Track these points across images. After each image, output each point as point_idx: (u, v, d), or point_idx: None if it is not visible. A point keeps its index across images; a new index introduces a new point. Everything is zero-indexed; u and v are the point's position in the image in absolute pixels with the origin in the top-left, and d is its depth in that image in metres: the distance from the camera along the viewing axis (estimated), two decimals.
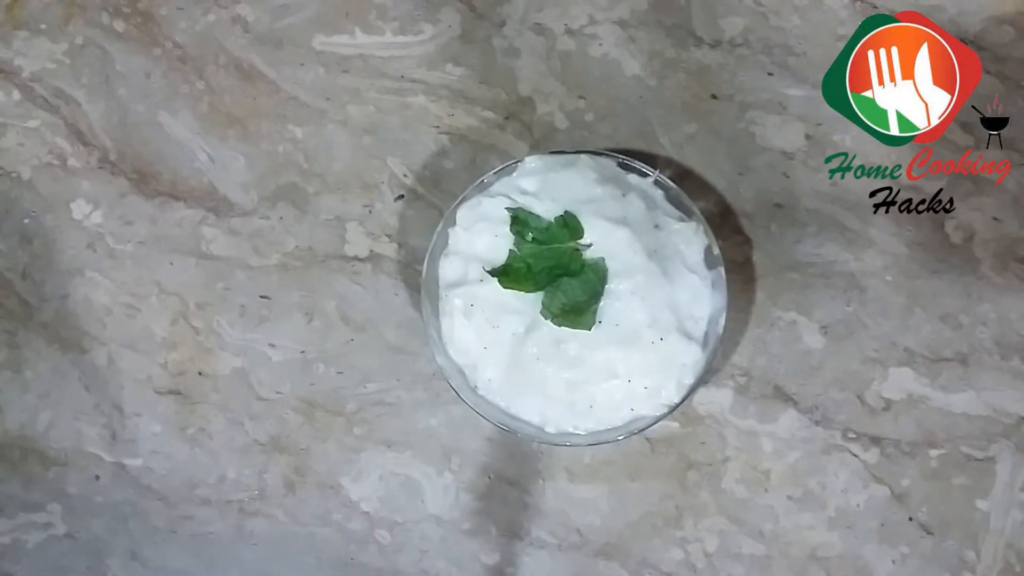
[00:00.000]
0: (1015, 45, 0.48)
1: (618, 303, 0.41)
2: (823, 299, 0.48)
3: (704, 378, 0.42)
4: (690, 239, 0.43)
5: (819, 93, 0.48)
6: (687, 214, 0.43)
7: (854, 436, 0.48)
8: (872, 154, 0.48)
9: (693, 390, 0.42)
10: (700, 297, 0.42)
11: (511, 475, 0.49)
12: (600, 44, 0.49)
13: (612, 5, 0.49)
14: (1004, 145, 0.47)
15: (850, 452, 0.47)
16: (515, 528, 0.49)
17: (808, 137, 0.48)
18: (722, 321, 0.42)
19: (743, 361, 0.48)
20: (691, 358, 0.42)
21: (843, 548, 0.48)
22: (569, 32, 0.50)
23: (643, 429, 0.42)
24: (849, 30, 0.48)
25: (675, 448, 0.48)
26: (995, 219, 0.47)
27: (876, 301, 0.48)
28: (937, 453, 0.47)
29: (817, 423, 0.48)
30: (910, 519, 0.47)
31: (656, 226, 0.43)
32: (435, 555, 0.49)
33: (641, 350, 0.41)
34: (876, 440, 0.47)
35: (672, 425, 0.48)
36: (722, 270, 0.42)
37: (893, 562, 0.47)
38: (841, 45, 0.48)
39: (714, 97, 0.49)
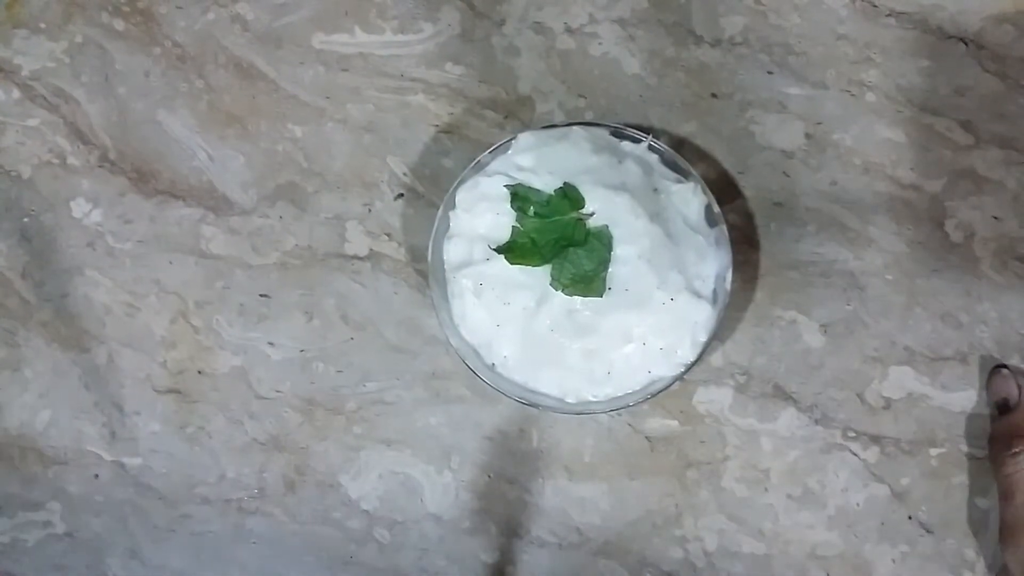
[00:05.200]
0: (1015, 44, 0.48)
1: (625, 268, 0.41)
2: (823, 298, 0.48)
3: (717, 335, 0.43)
4: (689, 199, 0.43)
5: (819, 92, 0.48)
6: (684, 175, 0.44)
7: (854, 435, 0.48)
8: (872, 153, 0.48)
9: (707, 347, 0.43)
10: (705, 255, 0.43)
11: (511, 474, 0.49)
12: (600, 43, 0.49)
13: (612, 4, 0.49)
14: (1004, 143, 0.47)
15: (850, 451, 0.47)
16: (515, 527, 0.49)
17: (808, 136, 0.48)
18: (729, 277, 0.43)
19: (743, 360, 0.48)
20: (702, 315, 0.42)
21: (843, 547, 0.48)
22: (569, 31, 0.50)
23: (661, 390, 0.43)
24: (848, 29, 0.48)
25: (675, 447, 0.48)
26: (995, 218, 0.47)
27: (876, 300, 0.48)
28: (937, 452, 0.47)
29: (817, 422, 0.48)
30: (910, 518, 0.47)
31: (655, 190, 0.43)
32: (435, 554, 0.49)
33: (653, 312, 0.41)
34: (876, 439, 0.47)
35: (672, 424, 0.48)
36: (724, 227, 0.43)
37: (893, 561, 0.47)
38: (841, 44, 0.48)
39: (714, 96, 0.49)
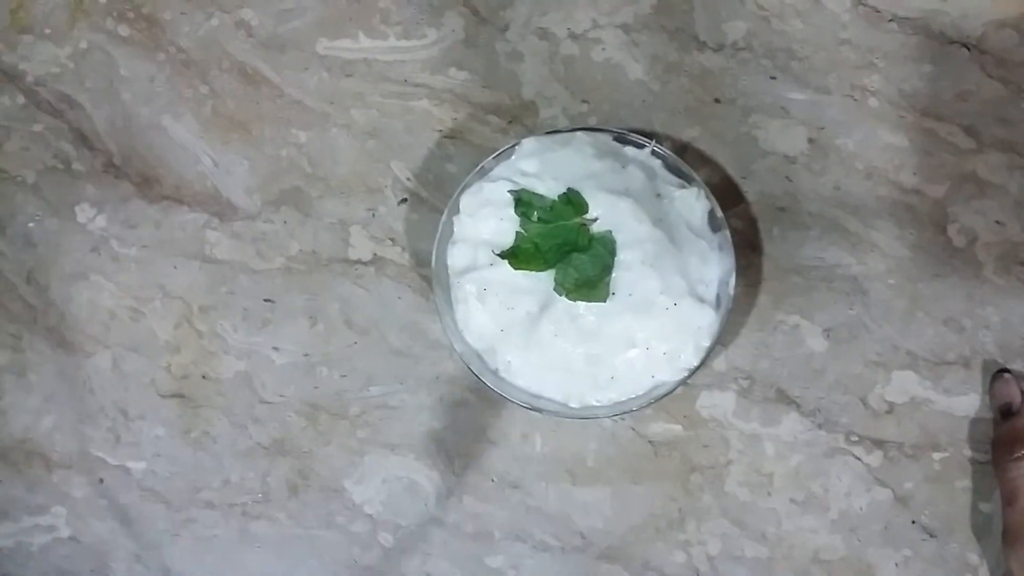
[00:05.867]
0: (1017, 49, 0.48)
1: (629, 273, 0.41)
2: (826, 302, 0.48)
3: (720, 339, 0.43)
4: (692, 205, 0.44)
5: (821, 97, 0.48)
6: (687, 180, 0.44)
7: (857, 439, 0.48)
8: (874, 157, 0.48)
9: (710, 352, 0.43)
10: (708, 260, 0.43)
11: (514, 478, 0.49)
12: (603, 48, 0.50)
13: (615, 9, 0.49)
14: (1007, 148, 0.47)
15: (853, 455, 0.48)
16: (518, 531, 0.49)
17: (811, 141, 0.48)
18: (732, 282, 0.43)
19: (746, 364, 0.48)
20: (706, 320, 0.42)
21: (846, 551, 0.48)
22: (572, 36, 0.50)
23: (665, 395, 0.43)
24: (851, 34, 0.48)
25: (678, 451, 0.48)
26: (997, 222, 0.47)
27: (879, 304, 0.48)
28: (940, 456, 0.47)
29: (820, 426, 0.48)
30: (913, 522, 0.47)
31: (658, 195, 0.43)
32: (438, 558, 0.50)
33: (656, 317, 0.42)
34: (879, 443, 0.47)
35: (675, 428, 0.48)
36: (727, 232, 0.43)
37: (896, 565, 0.47)
38: (844, 49, 0.48)
39: (717, 101, 0.49)
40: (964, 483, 0.47)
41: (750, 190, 0.49)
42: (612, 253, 0.41)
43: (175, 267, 0.51)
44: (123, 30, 0.52)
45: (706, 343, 0.43)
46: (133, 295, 0.51)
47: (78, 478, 0.51)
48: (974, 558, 0.47)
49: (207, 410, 0.50)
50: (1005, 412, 0.46)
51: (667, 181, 0.44)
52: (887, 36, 0.48)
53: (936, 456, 0.47)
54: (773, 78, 0.49)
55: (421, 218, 0.50)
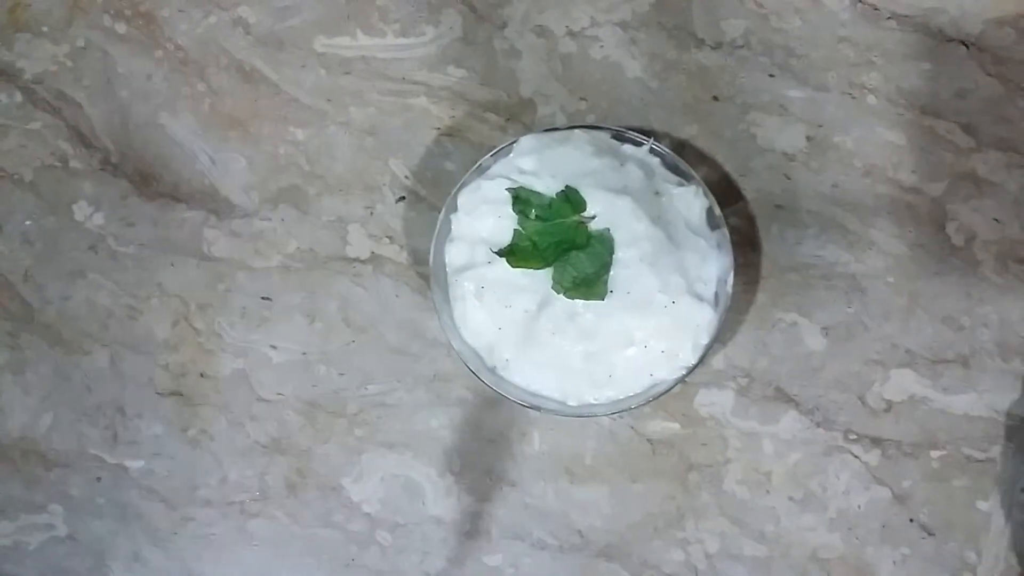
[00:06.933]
0: (1015, 47, 0.48)
1: (627, 271, 0.41)
2: (824, 301, 0.48)
3: (718, 337, 0.43)
4: (690, 202, 0.43)
5: (820, 95, 0.48)
6: (685, 178, 0.44)
7: (855, 437, 0.48)
8: (873, 155, 0.48)
9: (708, 350, 0.43)
10: (707, 258, 0.43)
11: (512, 476, 0.49)
12: (601, 46, 0.50)
13: (613, 7, 0.49)
14: (1006, 146, 0.47)
15: (851, 453, 0.48)
16: (516, 529, 0.49)
17: (809, 139, 0.48)
18: (730, 280, 0.43)
19: (744, 362, 0.48)
20: (704, 319, 0.42)
21: (844, 549, 0.48)
22: (570, 34, 0.50)
23: (663, 393, 0.43)
24: (850, 32, 0.48)
25: (676, 449, 0.48)
26: (996, 221, 0.47)
27: (877, 303, 0.48)
28: (938, 454, 0.47)
29: (818, 424, 0.48)
30: (911, 520, 0.47)
31: (656, 193, 0.43)
32: (436, 556, 0.50)
33: (655, 315, 0.42)
34: (877, 441, 0.47)
35: (673, 426, 0.48)
36: (725, 230, 0.43)
37: (894, 563, 0.47)
38: (842, 47, 0.48)
39: (715, 99, 0.49)
40: (962, 481, 0.47)
41: (748, 188, 0.49)
42: (610, 251, 0.42)
43: (173, 265, 0.51)
44: (120, 28, 0.52)
45: (704, 341, 0.43)
46: (130, 293, 0.51)
47: (76, 476, 0.51)
48: (972, 556, 0.47)
49: (205, 408, 0.50)
50: None
51: (665, 179, 0.44)
52: (886, 34, 0.48)
53: (934, 454, 0.47)
54: (772, 76, 0.49)
55: (419, 216, 0.50)
